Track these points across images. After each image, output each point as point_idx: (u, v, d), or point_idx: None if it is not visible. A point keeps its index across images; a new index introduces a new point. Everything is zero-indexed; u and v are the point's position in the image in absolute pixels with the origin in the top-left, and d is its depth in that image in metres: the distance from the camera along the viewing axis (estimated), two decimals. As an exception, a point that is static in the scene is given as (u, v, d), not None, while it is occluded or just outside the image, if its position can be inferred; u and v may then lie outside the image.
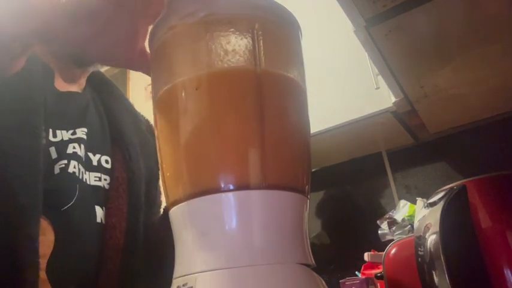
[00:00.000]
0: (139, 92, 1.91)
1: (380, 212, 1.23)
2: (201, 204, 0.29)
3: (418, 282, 0.53)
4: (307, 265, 0.30)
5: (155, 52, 0.34)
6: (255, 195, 0.29)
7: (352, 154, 1.31)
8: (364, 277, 0.91)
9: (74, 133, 0.50)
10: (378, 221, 1.02)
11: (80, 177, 0.48)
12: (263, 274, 0.28)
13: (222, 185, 0.29)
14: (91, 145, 0.51)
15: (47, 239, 0.42)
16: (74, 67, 0.55)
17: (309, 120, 0.35)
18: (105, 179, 0.51)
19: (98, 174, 0.51)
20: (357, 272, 1.07)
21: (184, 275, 0.28)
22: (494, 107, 1.13)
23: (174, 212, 0.31)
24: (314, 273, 0.31)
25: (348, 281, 0.91)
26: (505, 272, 0.44)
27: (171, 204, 0.31)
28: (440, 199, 0.47)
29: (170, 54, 0.32)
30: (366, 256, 0.98)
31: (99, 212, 0.49)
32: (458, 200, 0.47)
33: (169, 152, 0.32)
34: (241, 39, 0.31)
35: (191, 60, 0.31)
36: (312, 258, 0.31)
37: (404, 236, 0.89)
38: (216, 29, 0.31)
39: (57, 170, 0.45)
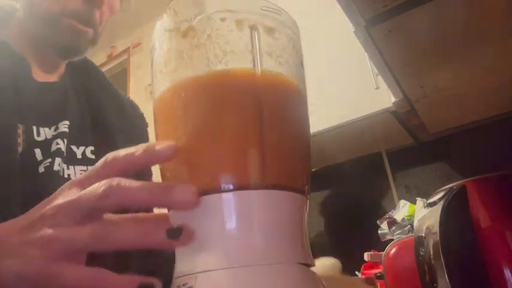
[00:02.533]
0: (140, 92, 1.92)
1: (380, 212, 1.23)
2: (200, 205, 0.29)
3: (418, 282, 0.54)
4: (308, 265, 0.30)
5: (155, 54, 0.34)
6: (254, 195, 0.29)
7: (352, 154, 1.31)
8: (364, 277, 0.91)
9: (56, 128, 0.47)
10: (377, 221, 1.02)
11: (65, 175, 0.46)
12: (263, 274, 0.28)
13: (222, 185, 0.29)
14: (74, 137, 0.49)
15: None
16: (55, 56, 0.52)
17: (308, 120, 0.35)
18: None
19: (84, 167, 0.48)
20: (356, 272, 1.07)
21: (185, 275, 0.28)
22: (494, 107, 1.13)
23: (173, 212, 0.31)
24: (315, 273, 0.31)
25: (348, 281, 0.91)
26: (505, 271, 0.44)
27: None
28: (440, 199, 0.47)
29: (169, 56, 0.32)
30: (366, 256, 0.98)
31: None
32: (458, 200, 0.47)
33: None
34: (240, 40, 0.31)
35: (190, 62, 0.31)
36: (312, 258, 0.31)
37: (404, 236, 0.89)
38: (214, 30, 0.31)
39: (41, 169, 0.44)
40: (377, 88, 0.96)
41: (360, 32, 0.72)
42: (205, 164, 0.30)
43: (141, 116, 0.64)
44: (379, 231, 1.05)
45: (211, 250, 0.28)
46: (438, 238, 0.44)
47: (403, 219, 0.90)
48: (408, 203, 0.96)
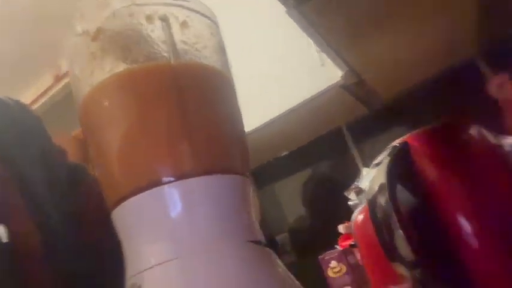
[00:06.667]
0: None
1: (350, 184, 1.26)
2: (140, 201, 0.29)
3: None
4: (257, 242, 0.31)
5: (70, 59, 0.33)
6: (191, 183, 0.29)
7: (315, 133, 1.34)
8: (341, 248, 0.93)
9: None
10: (345, 193, 1.05)
11: None
12: (213, 258, 0.28)
13: (158, 179, 0.29)
14: None
15: None
16: None
17: (237, 102, 0.35)
18: None
19: None
20: (336, 246, 1.09)
21: (133, 275, 0.28)
22: (437, 63, 1.16)
23: (116, 213, 0.31)
24: (265, 247, 0.31)
25: (326, 256, 0.93)
26: (458, 218, 0.46)
27: (112, 205, 0.31)
28: (384, 158, 0.49)
29: (83, 60, 0.32)
30: (341, 228, 1.00)
31: (1, 231, 0.41)
32: (402, 156, 0.49)
33: (99, 155, 0.32)
34: (152, 33, 0.31)
35: (104, 63, 0.31)
36: (262, 235, 0.32)
37: (372, 202, 0.92)
38: (124, 27, 0.31)
39: None
40: (322, 65, 0.97)
41: (292, 12, 0.73)
42: (138, 161, 0.30)
43: (33, 116, 0.57)
44: (349, 203, 1.07)
45: (156, 245, 0.28)
46: (388, 196, 0.46)
47: (368, 186, 0.93)
48: (371, 170, 0.99)
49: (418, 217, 0.48)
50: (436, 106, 1.19)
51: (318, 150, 1.39)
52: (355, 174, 1.33)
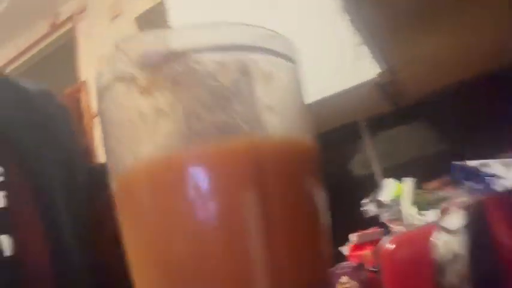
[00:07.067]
0: (92, 65, 1.73)
1: (361, 182, 1.21)
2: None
3: (419, 280, 0.50)
4: None
5: (104, 110, 0.24)
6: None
7: (331, 125, 1.26)
8: (356, 263, 0.89)
9: None
10: (361, 202, 0.99)
11: None
12: None
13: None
14: None
15: None
16: None
17: (322, 188, 0.26)
18: (4, 196, 0.38)
19: None
20: (340, 248, 1.04)
21: None
22: (471, 68, 1.10)
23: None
24: None
25: (338, 269, 0.88)
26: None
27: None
28: (459, 221, 0.42)
29: (125, 118, 0.22)
30: (355, 237, 0.95)
31: (6, 242, 0.37)
32: (477, 220, 0.42)
33: (139, 249, 0.23)
34: (227, 91, 0.22)
35: (157, 129, 0.22)
36: None
37: (393, 218, 0.86)
38: (189, 79, 0.21)
39: None
40: (360, 59, 0.88)
41: (349, 6, 0.65)
42: (194, 270, 0.21)
43: (58, 106, 0.51)
44: (363, 208, 1.02)
45: None
46: (463, 266, 0.40)
47: (391, 200, 0.87)
48: (393, 182, 0.92)
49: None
50: (464, 111, 1.12)
51: (329, 144, 1.32)
52: (368, 176, 1.26)
